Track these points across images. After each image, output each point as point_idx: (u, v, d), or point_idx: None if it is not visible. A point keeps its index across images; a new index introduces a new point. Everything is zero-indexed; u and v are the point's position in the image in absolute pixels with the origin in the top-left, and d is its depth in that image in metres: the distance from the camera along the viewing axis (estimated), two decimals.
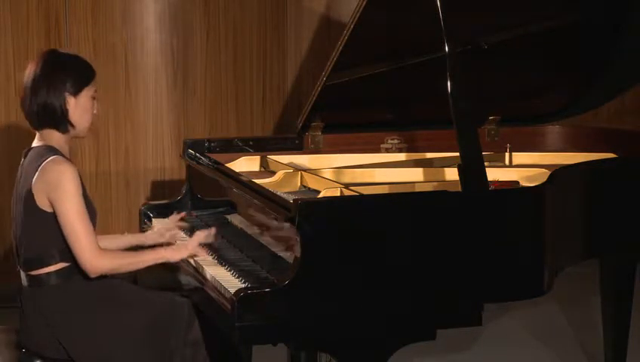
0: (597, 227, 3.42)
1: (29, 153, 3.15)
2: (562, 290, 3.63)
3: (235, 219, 3.42)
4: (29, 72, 3.13)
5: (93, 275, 3.05)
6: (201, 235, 3.25)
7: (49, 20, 5.21)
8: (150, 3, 5.30)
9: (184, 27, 5.36)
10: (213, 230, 3.28)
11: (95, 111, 3.17)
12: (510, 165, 3.93)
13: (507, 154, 3.96)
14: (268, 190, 3.14)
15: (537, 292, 3.03)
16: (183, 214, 3.62)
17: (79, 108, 3.12)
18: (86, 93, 3.13)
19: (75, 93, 3.11)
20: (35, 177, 3.04)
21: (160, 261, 3.17)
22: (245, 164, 3.83)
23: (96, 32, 5.25)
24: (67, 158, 3.10)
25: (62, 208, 3.01)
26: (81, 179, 3.09)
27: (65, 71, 3.11)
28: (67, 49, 3.37)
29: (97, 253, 3.02)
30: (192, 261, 3.21)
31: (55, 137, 3.13)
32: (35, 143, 3.16)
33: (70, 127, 3.13)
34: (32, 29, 5.19)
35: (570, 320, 5.06)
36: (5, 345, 3.18)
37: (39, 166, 3.04)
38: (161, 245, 3.38)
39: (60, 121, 3.11)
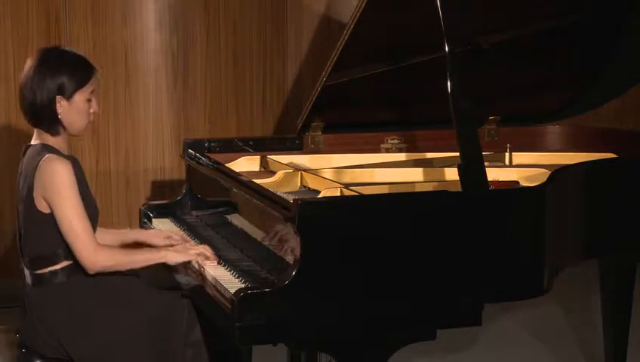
0: (597, 227, 3.42)
1: (27, 151, 3.14)
2: (562, 290, 3.63)
3: (235, 219, 3.42)
4: (26, 68, 3.09)
5: (92, 272, 3.05)
6: (206, 253, 3.14)
7: (49, 20, 5.21)
8: (150, 3, 5.30)
9: (184, 27, 5.36)
10: (214, 259, 3.16)
11: (92, 110, 3.12)
12: (510, 165, 3.93)
13: (507, 154, 3.95)
14: (268, 190, 3.14)
15: (537, 292, 3.03)
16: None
17: (73, 110, 3.08)
18: (80, 96, 3.08)
19: (69, 95, 3.06)
20: (33, 179, 3.04)
21: (160, 261, 3.15)
22: (245, 164, 3.82)
23: (96, 31, 5.25)
24: (64, 155, 3.08)
25: (57, 207, 3.00)
26: (84, 176, 3.08)
27: (59, 72, 3.05)
28: (69, 47, 3.33)
29: (96, 249, 3.02)
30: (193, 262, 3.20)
31: (51, 135, 3.12)
32: (33, 141, 3.15)
33: (62, 129, 3.10)
34: (32, 28, 5.18)
35: (570, 320, 5.06)
36: (5, 345, 3.18)
37: (36, 167, 3.03)
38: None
39: (49, 123, 3.08)
